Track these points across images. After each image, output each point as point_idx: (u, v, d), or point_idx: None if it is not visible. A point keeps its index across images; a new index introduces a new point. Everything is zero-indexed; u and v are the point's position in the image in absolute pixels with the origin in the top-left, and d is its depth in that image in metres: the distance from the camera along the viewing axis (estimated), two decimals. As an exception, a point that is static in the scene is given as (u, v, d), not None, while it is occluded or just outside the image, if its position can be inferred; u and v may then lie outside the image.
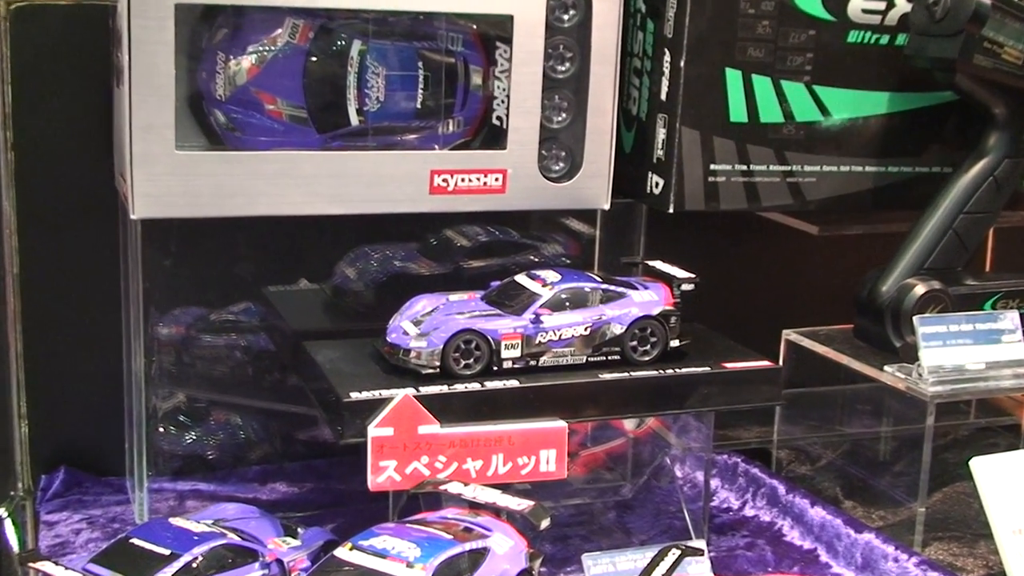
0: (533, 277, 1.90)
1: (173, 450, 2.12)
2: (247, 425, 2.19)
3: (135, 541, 1.67)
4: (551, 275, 1.90)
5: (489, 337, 1.80)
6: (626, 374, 1.84)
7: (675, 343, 1.90)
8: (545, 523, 1.60)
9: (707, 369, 1.88)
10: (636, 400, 1.85)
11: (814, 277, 2.48)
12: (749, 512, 2.12)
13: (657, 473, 2.18)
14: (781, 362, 2.17)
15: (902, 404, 2.07)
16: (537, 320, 1.82)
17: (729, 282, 2.36)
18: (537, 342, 1.82)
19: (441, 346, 1.78)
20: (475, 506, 1.66)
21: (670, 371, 1.86)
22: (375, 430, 1.70)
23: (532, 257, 2.23)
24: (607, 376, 1.79)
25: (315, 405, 1.84)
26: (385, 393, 1.68)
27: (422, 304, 1.89)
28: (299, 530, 1.83)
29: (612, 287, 1.89)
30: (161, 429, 2.10)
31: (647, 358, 1.88)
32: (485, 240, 2.22)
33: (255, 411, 2.14)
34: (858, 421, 2.29)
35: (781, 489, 2.10)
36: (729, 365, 1.90)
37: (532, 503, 1.64)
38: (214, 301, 2.12)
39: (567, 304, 1.85)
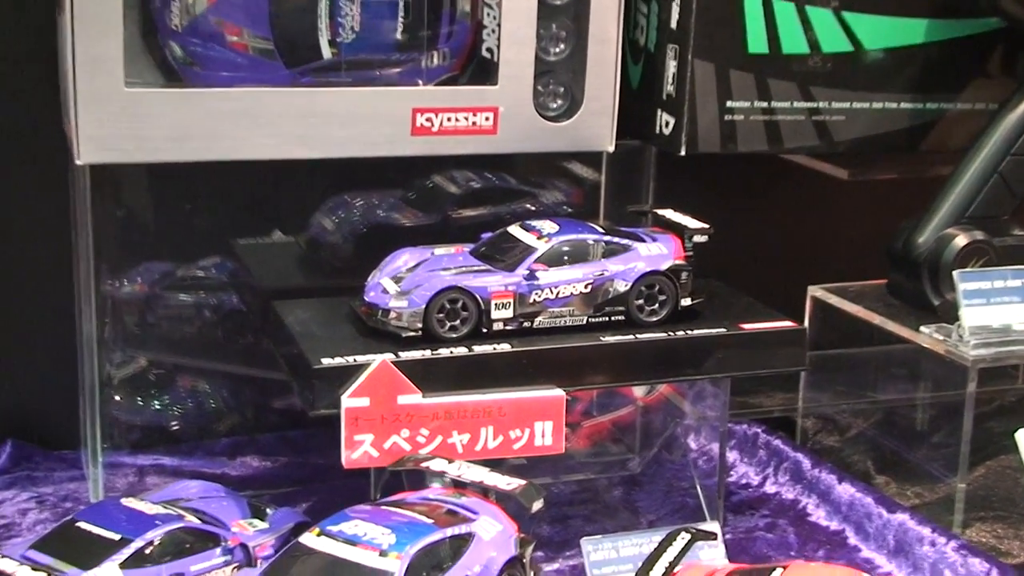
0: (528, 228, 1.81)
1: (132, 421, 2.05)
2: (215, 393, 2.12)
3: (82, 524, 1.60)
4: (548, 226, 1.81)
5: (477, 296, 1.72)
6: (631, 336, 1.76)
7: (686, 301, 1.81)
8: (537, 505, 1.52)
9: (722, 330, 1.80)
10: (642, 366, 1.77)
11: (843, 227, 2.40)
12: (770, 489, 2.04)
13: (669, 445, 2.11)
14: (807, 322, 2.11)
15: (941, 368, 1.99)
16: (532, 276, 1.74)
17: (748, 233, 2.28)
18: (531, 301, 1.74)
19: (423, 306, 1.70)
20: (460, 485, 1.58)
21: (680, 333, 1.78)
22: (349, 400, 1.62)
23: (529, 206, 2.15)
24: (610, 339, 1.73)
25: (285, 372, 1.76)
26: (360, 359, 1.63)
27: (404, 259, 1.82)
28: (268, 511, 1.76)
29: (616, 239, 1.81)
30: (118, 398, 2.03)
31: (655, 318, 1.80)
32: (477, 187, 2.13)
33: (223, 377, 2.09)
34: (892, 387, 2.21)
35: (806, 463, 2.02)
36: (747, 326, 1.82)
37: (523, 482, 1.56)
38: (174, 256, 2.03)
39: (565, 258, 1.76)
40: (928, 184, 2.05)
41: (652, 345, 1.75)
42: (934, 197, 1.95)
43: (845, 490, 1.94)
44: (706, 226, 1.86)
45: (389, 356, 1.63)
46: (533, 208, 2.14)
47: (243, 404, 2.11)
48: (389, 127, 1.81)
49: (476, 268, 1.76)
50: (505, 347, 1.68)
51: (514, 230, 1.83)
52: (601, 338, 1.72)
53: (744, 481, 2.07)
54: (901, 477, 2.05)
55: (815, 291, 2.06)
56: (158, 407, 2.08)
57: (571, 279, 1.76)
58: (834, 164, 2.15)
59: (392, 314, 1.70)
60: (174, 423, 2.09)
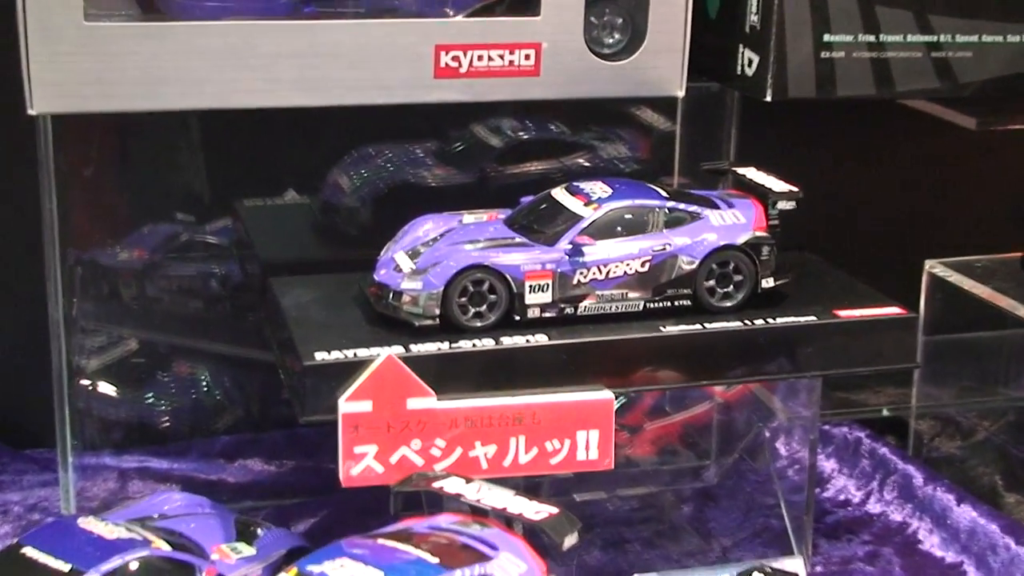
0: (574, 192, 1.64)
1: (111, 416, 1.93)
2: (212, 382, 2.00)
3: (28, 551, 1.47)
4: (599, 189, 1.64)
5: (508, 276, 1.56)
6: (698, 326, 1.60)
7: (768, 282, 1.63)
8: (570, 541, 1.36)
9: (813, 319, 1.62)
10: (711, 362, 1.60)
11: (969, 189, 2.20)
12: (874, 508, 1.87)
13: (752, 451, 1.93)
14: (922, 304, 1.93)
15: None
16: (576, 251, 1.58)
17: (851, 196, 2.11)
18: (576, 282, 1.57)
19: (442, 287, 1.54)
20: (480, 512, 1.41)
21: (759, 322, 1.61)
22: (347, 404, 1.46)
23: (584, 162, 1.97)
24: (672, 329, 1.58)
25: (278, 367, 1.60)
26: (363, 353, 1.49)
27: (426, 228, 1.66)
28: (258, 531, 1.62)
29: (682, 205, 1.64)
30: (93, 388, 1.89)
31: (729, 303, 1.63)
32: (523, 139, 1.96)
33: (222, 363, 2.00)
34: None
35: (919, 477, 1.84)
36: (844, 313, 1.64)
37: (554, 511, 1.39)
38: (154, 221, 1.89)
39: (619, 229, 1.60)
40: None
41: (724, 337, 1.59)
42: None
43: (965, 513, 1.75)
44: (794, 189, 1.67)
45: (397, 350, 1.48)
46: (589, 165, 1.97)
47: (246, 395, 2.01)
48: (407, 68, 1.67)
49: (508, 241, 1.59)
50: (542, 339, 1.54)
51: (558, 194, 1.66)
52: (661, 328, 1.58)
53: (843, 497, 1.89)
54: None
55: (934, 266, 1.93)
56: (143, 400, 1.95)
57: (625, 255, 1.59)
58: (959, 111, 1.94)
59: (405, 297, 1.56)
60: (163, 419, 1.98)
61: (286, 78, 1.65)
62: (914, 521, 1.81)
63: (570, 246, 1.58)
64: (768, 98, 1.77)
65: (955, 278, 1.89)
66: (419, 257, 1.60)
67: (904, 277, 1.87)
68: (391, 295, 1.58)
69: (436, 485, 1.46)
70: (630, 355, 1.57)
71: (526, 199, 1.70)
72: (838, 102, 1.82)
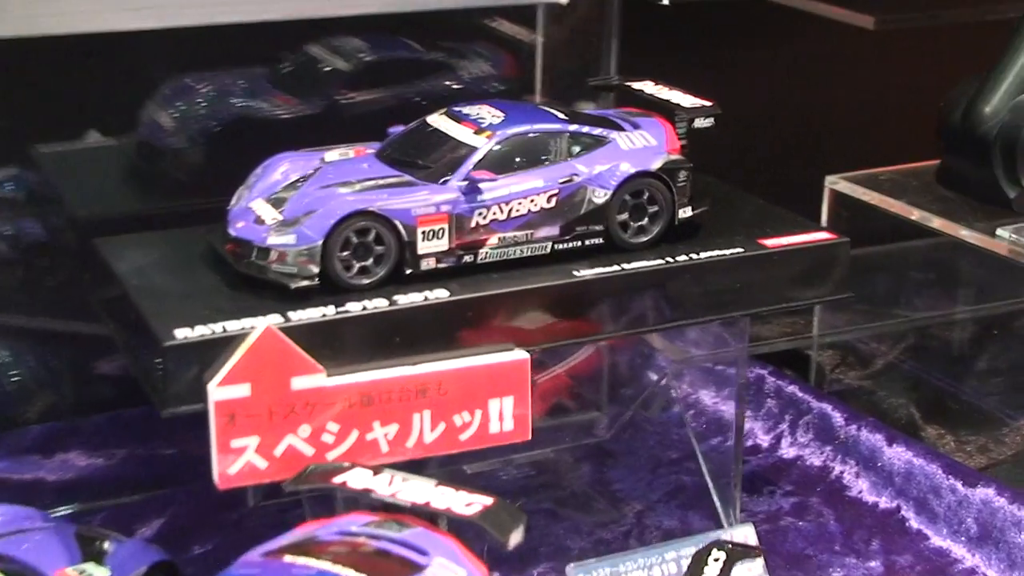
0: (459, 118, 1.45)
1: None
2: (14, 364, 1.72)
3: None
4: (487, 113, 1.45)
5: (398, 222, 1.34)
6: (616, 268, 1.41)
7: (686, 212, 1.46)
8: (515, 538, 1.14)
9: (739, 251, 1.46)
10: (634, 308, 1.42)
11: (868, 96, 2.04)
12: (788, 453, 1.70)
13: (647, 399, 1.74)
14: (824, 224, 1.77)
15: (1008, 275, 1.66)
16: (473, 188, 1.38)
17: (744, 108, 1.89)
18: (473, 225, 1.38)
19: (320, 241, 1.32)
20: (395, 510, 1.19)
21: (682, 258, 1.43)
22: (220, 390, 1.23)
23: (448, 83, 1.74)
24: (587, 272, 1.41)
25: (120, 348, 1.33)
26: (232, 325, 1.28)
27: (283, 169, 1.44)
28: (107, 546, 1.36)
29: (586, 128, 1.44)
30: None
31: (644, 238, 1.45)
32: (372, 59, 1.73)
33: (22, 340, 1.74)
34: (930, 300, 1.86)
35: (837, 416, 1.67)
36: (770, 242, 1.48)
37: (488, 501, 1.17)
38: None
39: (518, 160, 1.41)
40: (985, 33, 1.72)
41: (646, 278, 1.42)
42: (1001, 53, 1.64)
43: (897, 454, 1.59)
44: (707, 104, 1.48)
45: (273, 319, 1.28)
46: (454, 86, 1.73)
47: (55, 375, 1.75)
48: None
49: (390, 181, 1.38)
50: (441, 294, 1.35)
51: (438, 121, 1.45)
52: (575, 273, 1.40)
53: (751, 443, 1.72)
54: (959, 424, 1.73)
55: (835, 182, 1.78)
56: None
57: (529, 190, 1.39)
58: (855, 10, 1.76)
59: (273, 254, 1.34)
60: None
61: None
62: (836, 464, 1.66)
63: (465, 182, 1.36)
64: (665, 1, 1.57)
65: (861, 194, 1.74)
66: (284, 205, 1.37)
67: (802, 195, 1.73)
68: (255, 252, 1.35)
69: (338, 480, 1.22)
70: (543, 306, 1.38)
71: (395, 129, 1.48)
72: (722, 4, 1.63)
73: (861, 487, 1.62)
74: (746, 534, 1.41)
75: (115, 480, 1.64)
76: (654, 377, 1.78)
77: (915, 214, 1.68)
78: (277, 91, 1.71)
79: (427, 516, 1.19)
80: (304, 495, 1.27)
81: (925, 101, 1.72)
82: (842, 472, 1.65)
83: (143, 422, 1.72)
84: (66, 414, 1.72)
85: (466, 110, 1.45)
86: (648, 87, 1.55)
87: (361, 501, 1.22)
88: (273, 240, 1.32)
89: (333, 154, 1.45)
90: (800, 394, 1.73)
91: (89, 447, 1.69)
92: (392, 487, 1.21)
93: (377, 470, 1.23)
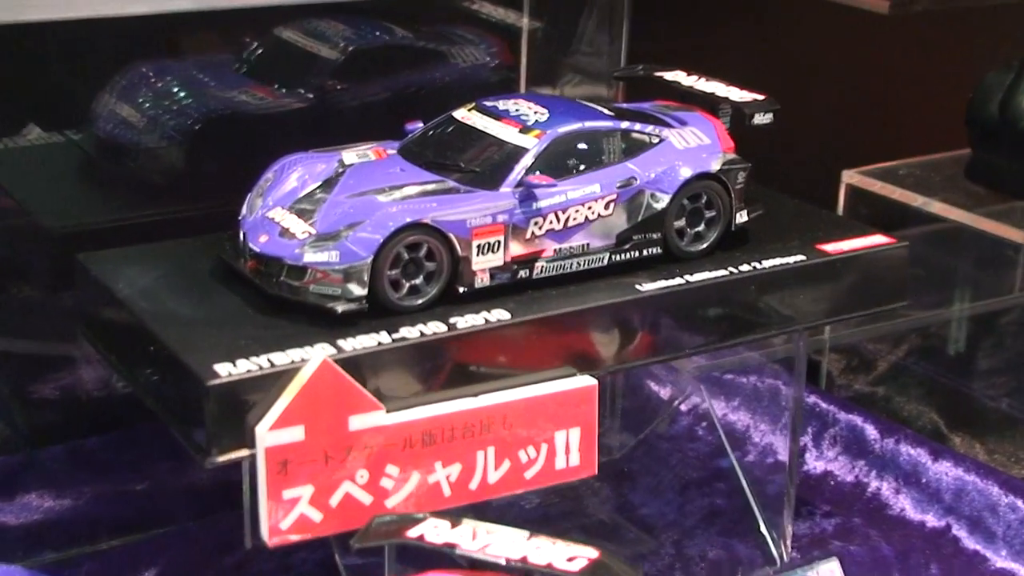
0: (496, 114, 1.31)
1: None
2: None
3: None
4: (529, 110, 1.32)
5: (452, 235, 1.20)
6: (681, 280, 1.29)
7: (742, 216, 1.36)
8: (638, 597, 1.01)
9: (801, 259, 1.35)
10: (700, 324, 1.30)
11: (887, 85, 1.93)
12: (815, 468, 1.62)
13: (665, 414, 1.63)
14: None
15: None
16: (529, 196, 1.24)
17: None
18: (529, 235, 1.24)
19: (369, 257, 1.16)
20: (483, 566, 1.05)
21: (745, 268, 1.32)
22: (272, 434, 1.06)
23: (438, 74, 1.60)
24: (650, 287, 1.28)
25: (141, 394, 1.16)
26: (279, 359, 1.12)
27: (298, 174, 1.29)
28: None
29: (638, 126, 1.31)
30: None
31: (702, 246, 1.34)
32: (358, 46, 1.56)
33: None
34: (946, 296, 1.79)
35: (870, 428, 1.57)
36: (831, 248, 1.37)
37: (594, 554, 1.05)
38: None
39: (572, 163, 1.27)
40: (1009, 18, 1.67)
41: (711, 291, 1.30)
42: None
43: (945, 469, 1.50)
44: (759, 97, 1.37)
45: (324, 350, 1.13)
46: (446, 78, 1.59)
47: (12, 404, 1.57)
48: None
49: (434, 187, 1.23)
50: (502, 315, 1.21)
51: (471, 117, 1.32)
52: (638, 287, 1.27)
53: (772, 459, 1.64)
54: (982, 430, 1.65)
55: (851, 176, 1.69)
56: None
57: (586, 196, 1.26)
58: (870, -6, 1.68)
59: (310, 273, 1.19)
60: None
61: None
62: (874, 480, 1.57)
63: (520, 189, 1.22)
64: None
65: (880, 188, 1.65)
66: (314, 216, 1.22)
67: (816, 189, 1.63)
68: (285, 271, 1.19)
69: (413, 533, 1.08)
70: (607, 325, 1.26)
71: (413, 126, 1.34)
72: None
73: (903, 505, 1.53)
74: (832, 570, 1.30)
75: (89, 522, 1.47)
76: (680, 390, 1.65)
77: (936, 207, 1.60)
78: (252, 81, 1.54)
79: (523, 573, 1.06)
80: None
81: (945, 90, 1.63)
82: (879, 488, 1.56)
83: (106, 452, 1.56)
84: (23, 446, 1.54)
85: (502, 105, 1.31)
86: (682, 78, 1.43)
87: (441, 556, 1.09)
88: (311, 257, 1.17)
89: (351, 155, 1.30)
90: (823, 404, 1.64)
91: (51, 484, 1.51)
92: (478, 540, 1.07)
93: (454, 521, 1.09)
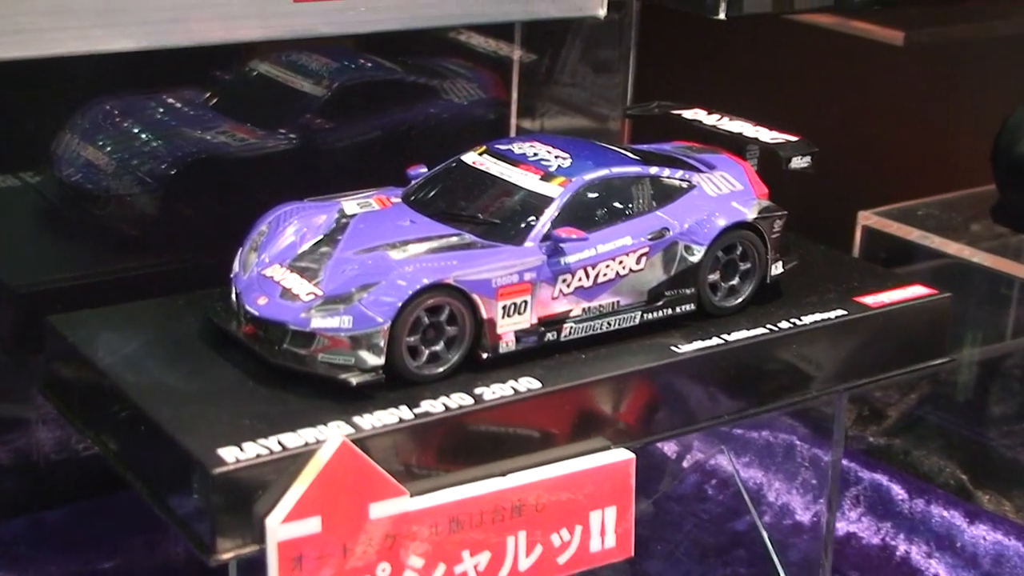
0: (512, 159, 1.21)
1: None
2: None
3: None
4: (548, 154, 1.21)
5: (476, 296, 1.09)
6: (718, 341, 1.19)
7: (777, 268, 1.26)
8: None
9: (842, 313, 1.26)
10: (739, 386, 1.20)
11: (903, 120, 1.84)
12: (838, 530, 1.50)
13: (679, 474, 1.53)
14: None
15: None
16: (557, 251, 1.13)
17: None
18: (556, 294, 1.13)
19: (387, 323, 1.05)
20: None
21: (784, 324, 1.22)
22: (285, 527, 0.95)
23: (431, 111, 1.49)
24: (687, 348, 1.18)
25: (131, 480, 1.04)
26: (290, 440, 1.01)
27: (295, 227, 1.17)
28: None
29: (667, 171, 1.22)
30: None
31: (736, 301, 1.24)
32: (345, 81, 1.46)
33: None
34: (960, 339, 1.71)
35: (896, 487, 1.49)
36: (871, 300, 1.28)
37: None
38: None
39: (599, 213, 1.17)
40: None
41: (751, 351, 1.20)
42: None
43: (982, 533, 1.41)
44: (792, 139, 1.27)
45: (340, 429, 1.01)
46: (439, 115, 1.49)
47: None
48: None
49: (451, 242, 1.12)
50: (532, 385, 1.10)
51: (483, 163, 1.21)
52: (673, 348, 1.17)
53: (790, 521, 1.54)
54: (1008, 483, 1.57)
55: (867, 218, 1.61)
56: None
57: (617, 249, 1.16)
58: (885, 25, 1.58)
59: (319, 340, 1.07)
60: None
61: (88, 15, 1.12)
62: (900, 544, 1.47)
63: (546, 243, 1.11)
64: (722, 15, 1.34)
65: (897, 229, 1.57)
66: (320, 275, 1.10)
67: (830, 230, 1.53)
68: (289, 337, 1.08)
69: (447, 636, 0.96)
70: (644, 392, 1.15)
71: (417, 171, 1.23)
72: (729, 22, 1.42)
73: (937, 570, 1.43)
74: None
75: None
76: (685, 447, 1.55)
77: (955, 249, 1.52)
78: (230, 120, 1.42)
79: None
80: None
81: (964, 126, 1.55)
82: (908, 552, 1.46)
83: (71, 525, 1.42)
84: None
85: (517, 148, 1.20)
86: (703, 116, 1.33)
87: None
88: (319, 322, 1.05)
89: (351, 204, 1.18)
90: (844, 462, 1.53)
91: (12, 563, 1.37)
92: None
93: (490, 623, 0.98)
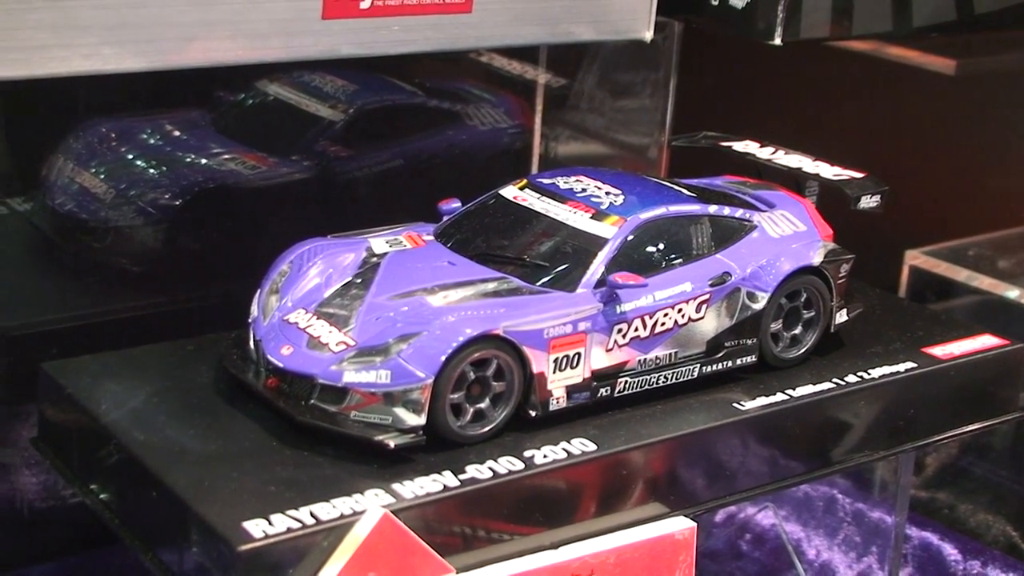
0: (558, 195, 1.11)
1: None
2: None
3: None
4: (597, 189, 1.12)
5: (526, 348, 1.00)
6: (783, 396, 1.10)
7: (842, 316, 1.17)
8: None
9: (912, 365, 1.17)
10: (805, 445, 1.11)
11: (949, 153, 1.75)
12: (885, 592, 1.40)
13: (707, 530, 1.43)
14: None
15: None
16: (612, 297, 1.03)
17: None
18: (611, 346, 1.03)
19: (431, 379, 0.95)
20: None
21: (852, 378, 1.14)
22: (318, 615, 0.84)
23: (454, 138, 1.41)
24: (751, 405, 1.09)
25: (139, 552, 0.93)
26: (323, 512, 0.91)
27: (319, 268, 1.08)
28: None
29: (727, 210, 1.14)
30: None
31: (798, 352, 1.15)
32: (363, 105, 1.38)
33: None
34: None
35: (948, 547, 1.40)
36: (939, 352, 1.20)
37: None
38: None
39: (655, 256, 1.08)
40: None
41: (821, 408, 1.11)
42: None
43: (1044, 600, 1.32)
44: (858, 175, 1.19)
45: (379, 498, 0.92)
46: (463, 143, 1.40)
47: None
48: (287, 6, 1.07)
49: (496, 287, 1.03)
50: (586, 447, 1.01)
51: (526, 198, 1.12)
52: (739, 405, 1.08)
53: (834, 579, 1.42)
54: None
55: (915, 257, 1.53)
56: None
57: (675, 296, 1.07)
58: (935, 54, 1.50)
59: (351, 397, 0.97)
60: None
61: (100, 34, 1.03)
62: (958, 611, 1.37)
63: (602, 290, 1.01)
64: (778, 40, 1.25)
65: (946, 270, 1.48)
66: (351, 323, 1.00)
67: (875, 270, 1.43)
68: (317, 391, 0.99)
69: None
70: (705, 453, 1.06)
71: (450, 206, 1.14)
72: (770, 48, 1.33)
73: (1002, 645, 1.34)
74: None
75: None
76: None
77: (1001, 290, 1.44)
78: (239, 146, 1.31)
79: None
80: None
81: (1016, 159, 1.47)
82: (966, 622, 1.37)
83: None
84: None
85: (562, 182, 1.11)
86: (756, 150, 1.24)
87: None
88: (352, 377, 0.95)
89: (380, 242, 1.09)
90: (889, 519, 1.44)
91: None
92: None
93: None
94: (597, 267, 1.03)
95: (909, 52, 1.57)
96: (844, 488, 1.50)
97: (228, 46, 1.07)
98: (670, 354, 1.06)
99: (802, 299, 1.12)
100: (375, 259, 1.06)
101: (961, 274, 1.48)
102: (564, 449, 0.99)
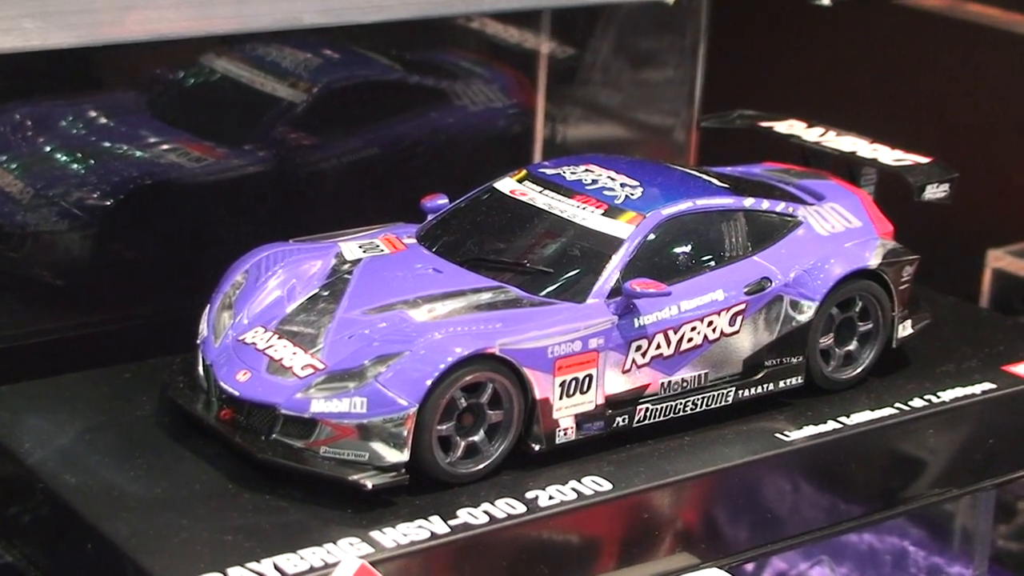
0: (563, 188, 1.20)
1: None
2: None
3: None
4: (610, 179, 1.20)
5: (528, 370, 1.08)
6: (834, 425, 1.19)
7: (906, 328, 1.26)
8: None
9: (990, 387, 1.26)
10: (863, 483, 1.20)
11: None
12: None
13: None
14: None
15: None
16: (631, 310, 1.12)
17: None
18: (628, 366, 1.12)
19: (414, 407, 1.04)
20: None
21: (918, 403, 1.22)
22: None
23: (441, 121, 1.52)
24: (795, 435, 1.17)
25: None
26: (292, 566, 1.00)
27: (279, 278, 1.17)
28: None
29: (765, 203, 1.22)
30: None
31: (854, 372, 1.24)
32: (330, 83, 1.46)
33: None
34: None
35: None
36: (1022, 370, 1.29)
37: None
38: None
39: (681, 259, 1.16)
40: None
41: (880, 439, 1.20)
42: None
43: None
44: (924, 160, 1.29)
45: (356, 547, 1.01)
46: (451, 127, 1.48)
47: None
48: None
49: (491, 298, 1.12)
50: (600, 487, 1.10)
51: (529, 193, 1.20)
52: (782, 436, 1.17)
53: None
54: None
55: (999, 258, 1.63)
56: None
57: (705, 307, 1.15)
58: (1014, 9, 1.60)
59: (323, 429, 1.05)
60: None
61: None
62: None
63: (615, 299, 1.10)
64: (827, 0, 1.33)
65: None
66: (318, 342, 1.10)
67: (952, 272, 1.55)
68: (279, 424, 1.07)
69: None
70: (742, 495, 1.15)
71: (435, 203, 1.24)
72: (818, 11, 1.43)
73: None
74: None
75: None
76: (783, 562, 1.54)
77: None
78: (182, 134, 1.39)
79: None
80: None
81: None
82: None
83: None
84: None
85: (568, 173, 1.21)
86: (801, 131, 1.32)
87: None
88: (321, 406, 1.05)
89: (352, 247, 1.20)
90: (966, 573, 1.51)
91: None
92: None
93: None
94: (611, 273, 1.12)
95: (991, 10, 1.66)
96: (917, 539, 1.59)
97: (171, 16, 1.16)
98: (699, 375, 1.16)
99: (857, 309, 1.22)
100: (346, 267, 1.16)
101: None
102: (574, 489, 1.10)
